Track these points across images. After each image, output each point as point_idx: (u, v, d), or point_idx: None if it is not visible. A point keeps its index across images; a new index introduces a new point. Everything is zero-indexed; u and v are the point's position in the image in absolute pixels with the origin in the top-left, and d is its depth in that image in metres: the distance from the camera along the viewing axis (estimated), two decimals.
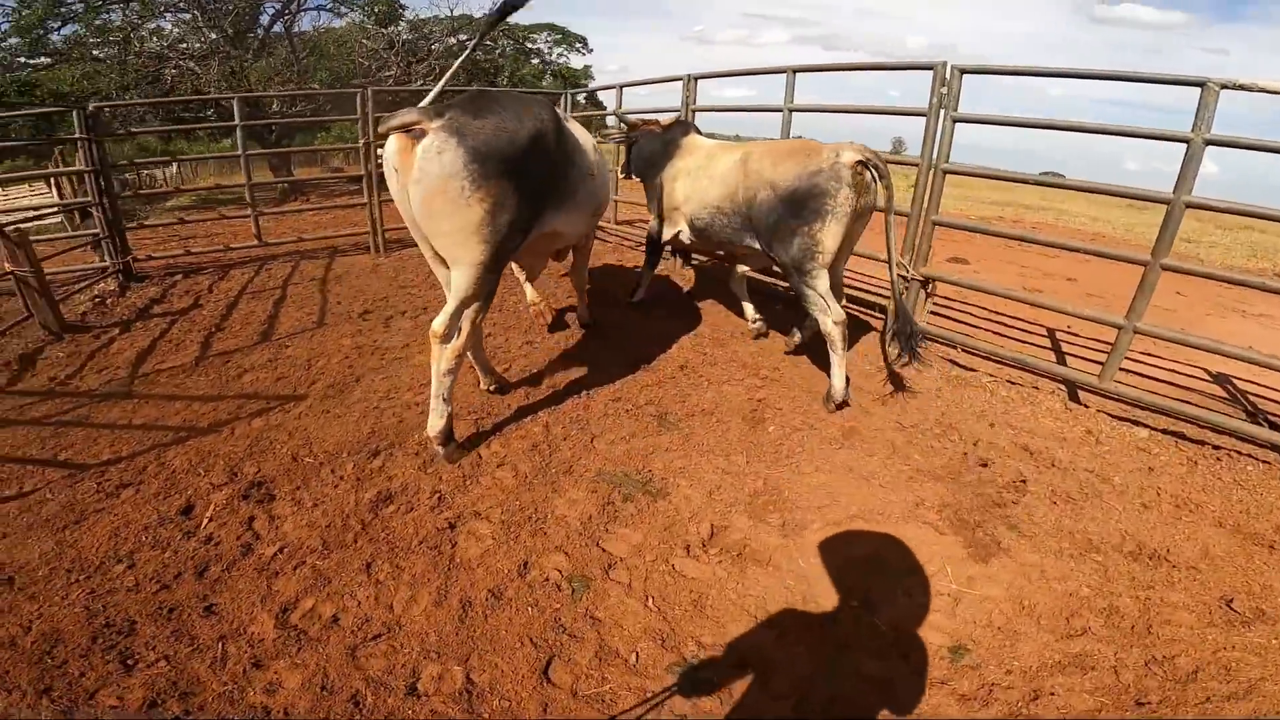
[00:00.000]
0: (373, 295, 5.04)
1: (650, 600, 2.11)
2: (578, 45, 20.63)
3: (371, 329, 4.34)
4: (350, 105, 6.01)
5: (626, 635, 1.97)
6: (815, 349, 4.00)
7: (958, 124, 3.69)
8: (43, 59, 11.71)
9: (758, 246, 3.48)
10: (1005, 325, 5.13)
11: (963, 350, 4.11)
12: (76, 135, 5.08)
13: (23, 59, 11.73)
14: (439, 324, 2.60)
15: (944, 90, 3.66)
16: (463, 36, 13.69)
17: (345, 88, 6.73)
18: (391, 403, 3.31)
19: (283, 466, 2.76)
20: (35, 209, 7.21)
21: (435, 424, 2.72)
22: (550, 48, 20.07)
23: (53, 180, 9.29)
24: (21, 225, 7.50)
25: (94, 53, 11.22)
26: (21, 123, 10.22)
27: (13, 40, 11.44)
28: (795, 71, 4.53)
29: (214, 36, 10.96)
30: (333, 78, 12.39)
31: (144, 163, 8.86)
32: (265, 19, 12.24)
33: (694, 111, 5.39)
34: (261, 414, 3.19)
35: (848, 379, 3.36)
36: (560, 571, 2.21)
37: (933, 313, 4.56)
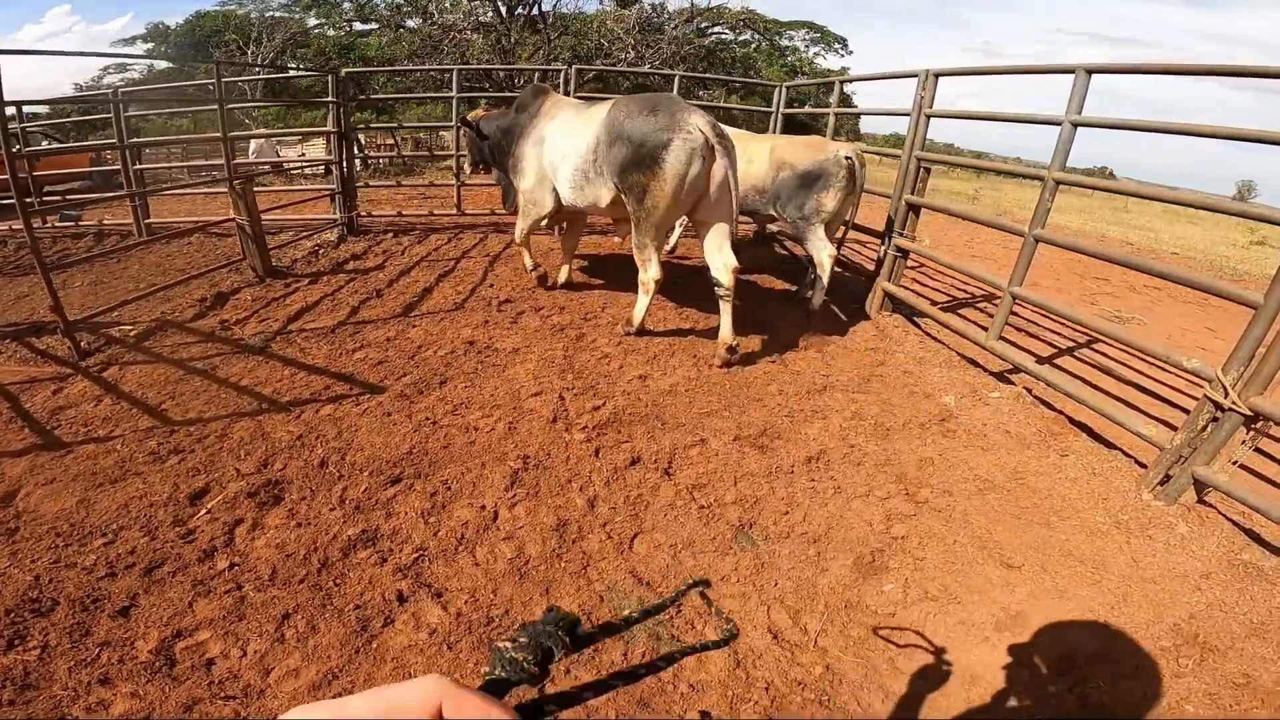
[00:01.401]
0: (525, 284, 4.85)
1: None
2: (836, 46, 18.74)
3: (498, 322, 4.12)
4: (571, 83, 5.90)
5: None
6: (1036, 473, 2.76)
7: None
8: (371, 24, 14.10)
9: (773, 211, 4.49)
10: None
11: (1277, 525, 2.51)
12: (329, 99, 5.68)
13: (355, 24, 14.27)
14: (731, 264, 3.58)
15: None
16: (703, 24, 13.30)
17: (585, 66, 6.71)
18: (454, 420, 2.98)
19: (308, 470, 2.58)
20: (289, 161, 8.51)
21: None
22: (806, 46, 18.53)
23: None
24: (309, 174, 8.91)
25: (406, 22, 13.14)
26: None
27: (345, 4, 13.94)
28: (1090, 72, 3.08)
29: (490, 12, 12.06)
30: (574, 56, 12.88)
31: (379, 127, 10.06)
32: None
33: (928, 116, 4.13)
34: (335, 400, 3.10)
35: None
36: None
37: (1256, 454, 2.90)
